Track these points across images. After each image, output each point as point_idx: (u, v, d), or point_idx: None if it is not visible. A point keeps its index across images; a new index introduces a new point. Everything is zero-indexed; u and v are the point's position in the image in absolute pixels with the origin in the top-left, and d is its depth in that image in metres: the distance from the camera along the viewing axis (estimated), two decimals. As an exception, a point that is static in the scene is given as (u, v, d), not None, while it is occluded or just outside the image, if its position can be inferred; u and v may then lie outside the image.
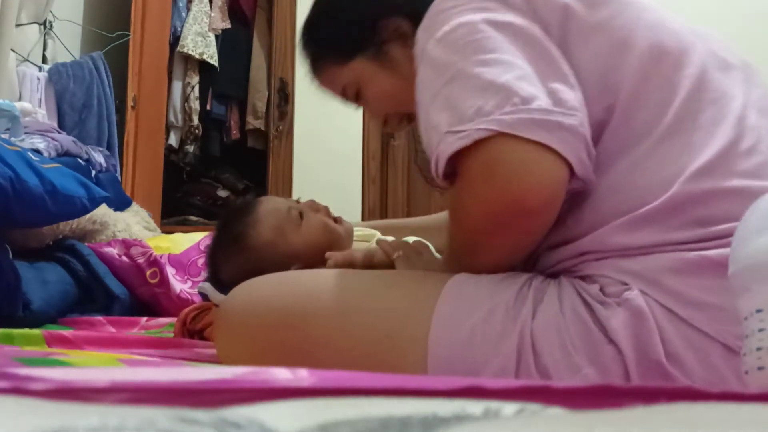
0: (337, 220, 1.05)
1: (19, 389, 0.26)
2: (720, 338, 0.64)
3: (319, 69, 0.97)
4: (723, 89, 0.72)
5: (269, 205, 1.05)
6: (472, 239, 0.73)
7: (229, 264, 1.06)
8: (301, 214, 1.02)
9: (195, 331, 1.12)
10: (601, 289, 0.68)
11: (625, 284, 0.67)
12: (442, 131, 0.69)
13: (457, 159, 0.69)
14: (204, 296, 1.14)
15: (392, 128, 0.99)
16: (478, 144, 0.66)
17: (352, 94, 0.96)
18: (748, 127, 0.70)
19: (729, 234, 0.63)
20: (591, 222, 0.71)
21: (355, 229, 1.14)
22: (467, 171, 0.69)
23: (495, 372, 0.67)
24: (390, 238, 1.14)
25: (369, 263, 0.90)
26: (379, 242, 0.96)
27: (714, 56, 0.76)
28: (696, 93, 0.71)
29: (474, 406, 0.27)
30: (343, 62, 0.93)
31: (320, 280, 0.79)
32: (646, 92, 0.72)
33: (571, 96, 0.68)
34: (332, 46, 0.94)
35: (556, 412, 0.28)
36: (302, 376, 0.33)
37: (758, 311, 0.42)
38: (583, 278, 0.71)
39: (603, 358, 0.65)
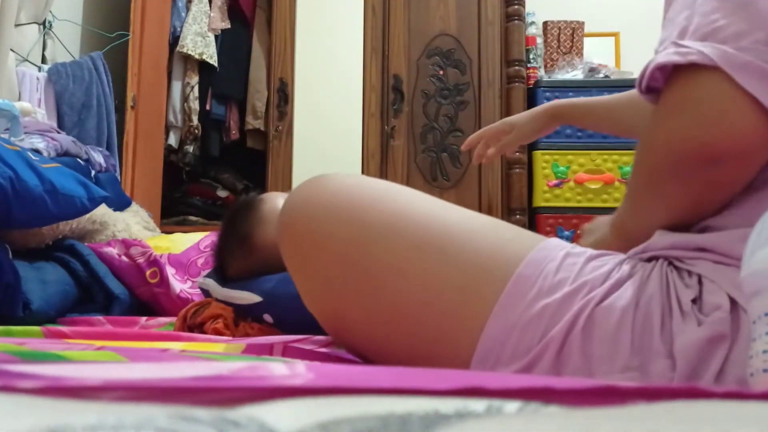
0: None
1: (8, 387, 0.26)
2: None
3: None
4: None
5: (273, 203, 1.05)
6: (650, 178, 0.66)
7: (235, 262, 1.07)
8: None
9: (195, 325, 1.13)
10: (697, 298, 0.61)
11: (731, 298, 0.59)
12: (673, 36, 0.62)
13: (669, 75, 0.62)
14: (205, 292, 1.15)
15: None
16: (693, 67, 0.59)
17: None
18: None
19: None
20: (734, 216, 0.63)
21: None
22: (669, 93, 0.62)
23: (539, 350, 0.62)
24: None
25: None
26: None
27: None
28: None
29: (476, 403, 0.26)
30: None
31: (410, 204, 0.71)
32: None
33: None
34: None
35: (557, 409, 0.28)
36: (299, 372, 0.33)
37: (766, 314, 0.42)
38: (690, 274, 0.63)
39: (654, 369, 0.59)
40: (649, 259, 0.67)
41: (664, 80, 0.63)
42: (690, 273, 0.63)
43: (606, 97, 1.10)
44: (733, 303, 0.59)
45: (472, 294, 0.65)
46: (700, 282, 0.62)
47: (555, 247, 0.67)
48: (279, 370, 0.34)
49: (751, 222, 0.53)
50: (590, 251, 0.67)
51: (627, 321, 0.60)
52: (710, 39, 0.59)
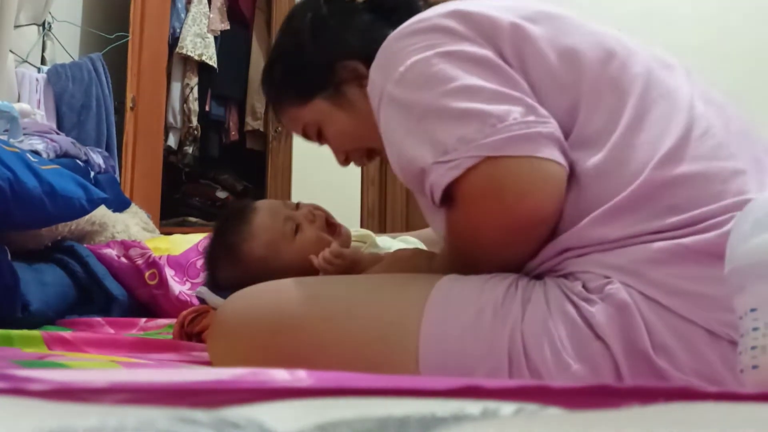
0: (334, 229, 1.06)
1: (18, 390, 0.26)
2: (704, 324, 0.65)
3: (279, 110, 1.02)
4: (668, 85, 0.76)
5: (265, 216, 1.04)
6: (484, 254, 0.76)
7: (223, 272, 1.07)
8: (297, 227, 1.02)
9: (193, 333, 1.13)
10: (584, 286, 0.70)
11: (607, 278, 0.68)
12: (428, 162, 0.71)
13: (452, 187, 0.72)
14: (202, 300, 1.15)
15: (356, 162, 1.03)
16: (470, 171, 0.69)
17: (314, 133, 1.00)
18: (697, 116, 0.74)
19: (698, 221, 0.67)
20: (570, 218, 0.72)
21: (355, 230, 1.14)
22: (468, 196, 0.72)
23: (487, 373, 0.68)
24: (385, 237, 1.15)
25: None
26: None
27: (655, 57, 0.80)
28: (646, 90, 0.75)
29: (472, 406, 0.27)
30: (303, 103, 0.97)
31: (312, 287, 0.82)
32: (601, 94, 0.75)
33: (535, 101, 0.72)
34: (292, 88, 0.99)
35: (554, 412, 0.28)
36: (301, 377, 0.33)
37: (752, 310, 0.42)
38: (566, 276, 0.72)
39: (591, 355, 0.67)
40: (535, 278, 0.76)
41: (453, 193, 0.72)
42: (565, 275, 0.72)
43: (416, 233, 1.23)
44: (608, 278, 0.69)
45: (392, 341, 0.73)
46: (576, 277, 0.71)
47: (451, 278, 0.76)
48: (280, 375, 0.35)
49: (582, 202, 0.71)
50: (482, 276, 0.75)
51: (549, 327, 0.68)
52: (461, 146, 0.69)
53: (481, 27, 0.77)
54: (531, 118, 0.70)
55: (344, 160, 1.03)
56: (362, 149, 1.00)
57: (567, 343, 0.67)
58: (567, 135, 0.74)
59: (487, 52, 0.75)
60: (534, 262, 0.75)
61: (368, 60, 0.85)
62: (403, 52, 0.77)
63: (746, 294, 0.43)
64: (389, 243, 1.13)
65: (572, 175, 0.72)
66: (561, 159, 0.70)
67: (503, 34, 0.76)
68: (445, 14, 0.78)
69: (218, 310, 0.87)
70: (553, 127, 0.71)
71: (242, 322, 0.82)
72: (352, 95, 0.94)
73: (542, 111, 0.71)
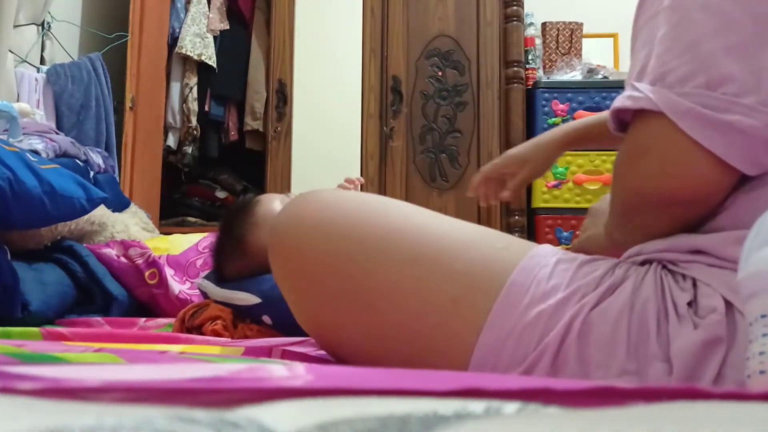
0: None
1: (8, 389, 0.26)
2: None
3: None
4: None
5: (268, 206, 1.05)
6: (623, 212, 0.68)
7: (230, 264, 1.08)
8: None
9: (193, 326, 1.13)
10: (693, 301, 0.61)
11: (727, 301, 0.59)
12: (632, 76, 0.64)
13: (630, 116, 0.65)
14: (203, 293, 1.16)
15: None
16: (644, 113, 0.62)
17: None
18: None
19: None
20: (727, 221, 0.63)
21: None
22: (628, 138, 0.65)
23: (535, 357, 0.62)
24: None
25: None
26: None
27: None
28: None
29: (475, 405, 0.27)
30: None
31: (402, 217, 0.71)
32: None
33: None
34: None
35: (556, 410, 0.28)
36: (299, 374, 0.33)
37: (763, 316, 0.42)
38: (684, 278, 0.63)
39: (651, 373, 0.59)
40: (643, 263, 0.67)
41: (628, 119, 0.65)
42: (684, 276, 0.63)
43: (599, 115, 1.09)
44: (729, 306, 0.59)
45: (466, 305, 0.65)
46: (694, 285, 0.62)
47: (547, 253, 0.68)
48: (278, 371, 0.34)
49: (746, 223, 0.54)
50: (582, 257, 0.68)
51: (622, 325, 0.61)
52: (660, 83, 0.61)
53: None
54: (744, 100, 0.58)
55: None
56: None
57: (633, 351, 0.60)
58: None
59: None
60: (656, 246, 0.66)
61: None
62: None
63: (757, 300, 0.43)
64: None
65: (752, 192, 0.62)
66: (737, 159, 0.59)
67: None
68: None
69: (288, 205, 0.73)
70: (761, 119, 0.58)
71: (313, 236, 0.69)
72: None
73: (763, 95, 0.58)
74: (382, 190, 2.84)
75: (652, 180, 0.62)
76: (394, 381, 0.33)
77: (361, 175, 2.83)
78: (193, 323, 1.12)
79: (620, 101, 0.64)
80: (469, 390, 0.30)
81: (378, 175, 2.86)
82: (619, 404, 0.29)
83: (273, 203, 1.07)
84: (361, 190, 1.08)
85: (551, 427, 0.24)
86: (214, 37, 3.12)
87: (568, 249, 0.80)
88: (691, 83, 0.60)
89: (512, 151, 1.15)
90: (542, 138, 1.13)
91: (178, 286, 1.58)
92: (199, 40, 3.04)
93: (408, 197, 2.84)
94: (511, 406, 0.27)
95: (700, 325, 0.58)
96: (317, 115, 2.91)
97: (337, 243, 0.68)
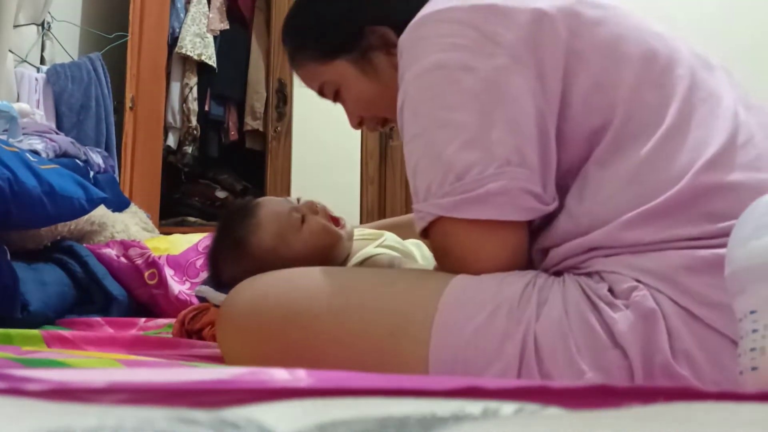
0: (337, 221, 1.06)
1: (16, 390, 0.26)
2: (735, 337, 0.62)
3: (299, 62, 0.98)
4: (711, 88, 0.75)
5: (270, 208, 1.04)
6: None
7: (230, 267, 1.07)
8: (303, 218, 1.02)
9: (193, 331, 1.12)
10: (610, 289, 0.68)
11: (638, 281, 0.66)
12: (413, 201, 0.77)
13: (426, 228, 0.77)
14: (202, 299, 1.15)
15: (368, 128, 1.01)
16: (432, 225, 0.75)
17: (330, 93, 0.97)
18: (741, 123, 0.72)
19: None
20: (602, 216, 0.70)
21: (359, 228, 1.14)
22: (432, 243, 0.78)
23: (496, 375, 0.66)
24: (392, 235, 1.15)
25: None
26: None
27: (697, 57, 0.78)
28: (689, 93, 0.73)
29: (472, 406, 0.27)
30: (324, 62, 0.94)
31: (323, 277, 0.79)
32: (644, 94, 0.73)
33: (510, 143, 0.71)
34: (316, 43, 0.94)
35: (554, 411, 0.28)
36: (300, 377, 0.33)
37: (752, 312, 0.42)
38: (590, 275, 0.70)
39: (607, 363, 0.64)
40: (556, 273, 0.74)
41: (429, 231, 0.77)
42: (590, 273, 0.70)
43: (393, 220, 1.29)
44: (641, 284, 0.66)
45: (403, 335, 0.71)
46: (602, 278, 0.69)
47: (465, 276, 0.74)
48: (280, 375, 0.34)
49: (616, 202, 0.70)
50: (499, 274, 0.74)
51: (565, 330, 0.66)
52: (430, 197, 0.74)
53: (517, 26, 0.73)
54: (488, 171, 0.70)
55: (357, 124, 1.00)
56: (378, 117, 0.98)
57: (583, 348, 0.65)
58: (604, 131, 0.72)
59: (503, 65, 0.72)
60: (556, 258, 0.74)
61: (399, 28, 0.81)
62: (430, 43, 0.75)
63: (746, 296, 0.43)
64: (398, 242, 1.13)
65: (604, 177, 0.71)
66: (514, 213, 0.71)
67: (545, 34, 0.73)
68: (485, 6, 0.74)
69: (227, 298, 0.84)
70: (508, 175, 0.70)
71: (253, 310, 0.79)
72: (378, 62, 0.91)
73: (506, 153, 0.70)
74: (382, 190, 2.84)
75: (462, 269, 0.74)
76: (393, 382, 0.33)
77: (361, 175, 2.83)
78: (193, 327, 1.12)
79: (417, 224, 0.77)
80: (468, 389, 0.30)
81: (378, 175, 2.86)
82: (616, 405, 0.29)
83: (275, 205, 1.07)
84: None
85: (549, 428, 0.25)
86: (214, 37, 3.12)
87: None
88: (448, 184, 0.72)
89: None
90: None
91: (177, 286, 1.58)
92: (199, 40, 3.04)
93: (408, 197, 2.84)
94: (508, 407, 0.27)
95: (630, 305, 0.65)
96: (317, 115, 2.90)
97: (280, 316, 0.78)
